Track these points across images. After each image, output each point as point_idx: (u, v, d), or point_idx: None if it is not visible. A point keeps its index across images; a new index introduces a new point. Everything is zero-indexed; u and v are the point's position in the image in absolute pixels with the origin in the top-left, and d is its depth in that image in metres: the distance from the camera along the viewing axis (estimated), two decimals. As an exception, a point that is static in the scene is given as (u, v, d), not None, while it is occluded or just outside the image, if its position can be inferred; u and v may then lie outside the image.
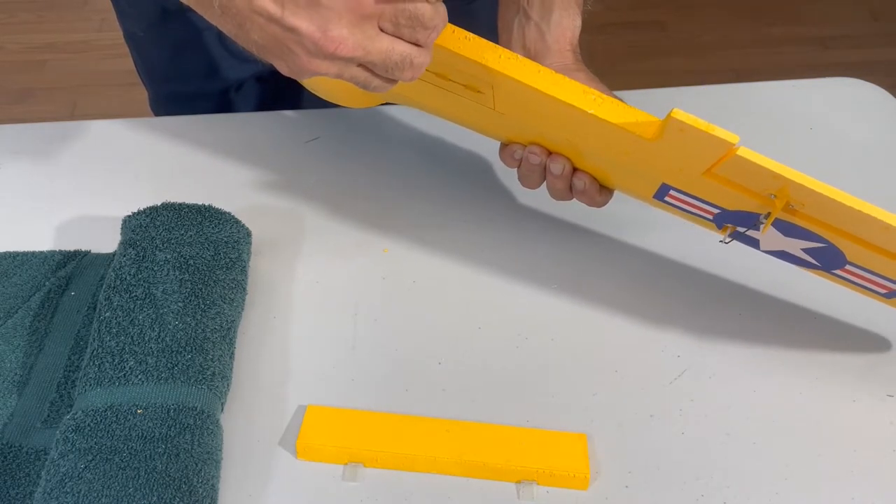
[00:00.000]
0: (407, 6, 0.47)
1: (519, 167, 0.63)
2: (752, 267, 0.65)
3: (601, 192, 0.62)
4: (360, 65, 0.49)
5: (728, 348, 0.60)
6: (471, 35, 0.54)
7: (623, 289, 0.64)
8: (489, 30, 0.90)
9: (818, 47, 2.10)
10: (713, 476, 0.53)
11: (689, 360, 0.59)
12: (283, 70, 0.50)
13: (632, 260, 0.67)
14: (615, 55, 2.09)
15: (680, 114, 0.49)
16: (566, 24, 0.62)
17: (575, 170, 0.61)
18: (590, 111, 0.52)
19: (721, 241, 0.59)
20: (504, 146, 0.63)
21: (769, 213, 0.53)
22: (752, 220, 0.55)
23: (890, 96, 0.81)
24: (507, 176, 0.72)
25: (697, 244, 0.66)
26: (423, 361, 0.60)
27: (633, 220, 0.69)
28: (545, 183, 0.63)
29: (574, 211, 0.69)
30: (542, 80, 0.53)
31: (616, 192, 0.64)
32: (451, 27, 0.54)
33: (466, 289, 0.65)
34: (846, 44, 2.11)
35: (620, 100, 0.55)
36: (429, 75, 0.58)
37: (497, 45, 0.54)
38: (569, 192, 0.62)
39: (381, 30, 0.48)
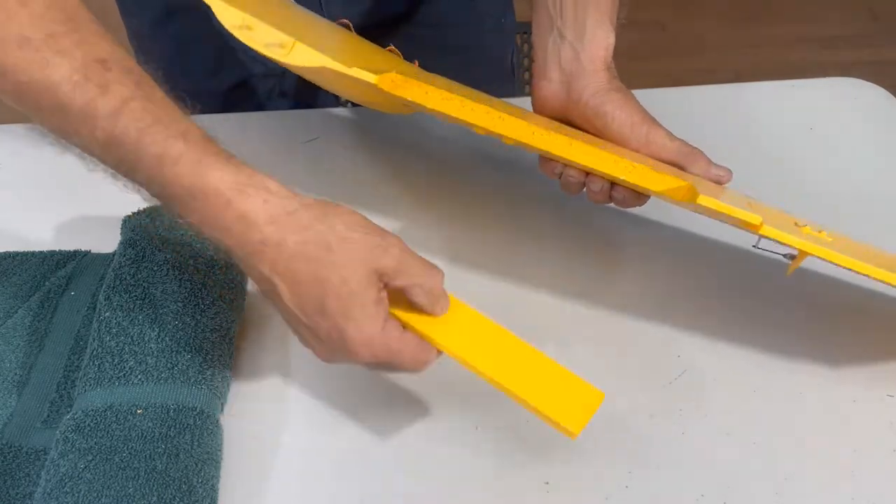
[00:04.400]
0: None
1: (559, 178, 0.63)
2: (754, 268, 0.65)
3: (639, 198, 0.62)
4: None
5: (728, 348, 0.60)
6: (504, 115, 0.58)
7: (623, 288, 0.64)
8: (490, 29, 0.91)
9: (818, 47, 2.10)
10: (713, 476, 0.53)
11: (689, 360, 0.59)
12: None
13: (632, 259, 0.67)
14: (615, 55, 2.08)
15: (705, 200, 0.52)
16: (599, 43, 0.62)
17: (613, 184, 0.61)
18: (621, 178, 0.56)
19: (754, 246, 0.60)
20: (544, 161, 0.63)
21: (795, 256, 0.55)
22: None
23: (890, 96, 0.81)
24: (508, 176, 0.73)
25: (699, 244, 0.66)
26: (423, 361, 0.60)
27: (634, 219, 0.69)
28: (585, 189, 0.63)
29: (575, 211, 0.69)
30: (574, 151, 0.57)
31: None
32: (485, 109, 0.58)
33: (466, 288, 0.64)
34: (846, 44, 2.11)
35: (665, 131, 0.59)
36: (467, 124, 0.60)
37: (530, 124, 0.58)
38: (608, 200, 0.62)
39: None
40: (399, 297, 0.52)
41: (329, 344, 0.50)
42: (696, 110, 0.78)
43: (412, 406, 0.57)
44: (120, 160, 0.49)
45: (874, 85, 0.82)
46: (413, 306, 0.52)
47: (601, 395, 0.51)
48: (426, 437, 0.55)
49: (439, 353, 0.52)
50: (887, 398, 0.57)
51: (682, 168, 0.60)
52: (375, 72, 0.59)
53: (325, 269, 0.48)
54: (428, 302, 0.52)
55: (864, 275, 0.52)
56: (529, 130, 0.58)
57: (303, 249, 0.48)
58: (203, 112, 0.81)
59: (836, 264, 0.52)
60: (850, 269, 0.52)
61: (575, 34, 0.62)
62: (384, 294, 0.50)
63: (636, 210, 0.66)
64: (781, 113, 0.79)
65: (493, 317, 0.63)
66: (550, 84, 0.62)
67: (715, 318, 0.62)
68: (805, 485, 0.52)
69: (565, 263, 0.66)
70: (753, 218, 0.51)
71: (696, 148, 0.60)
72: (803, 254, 0.53)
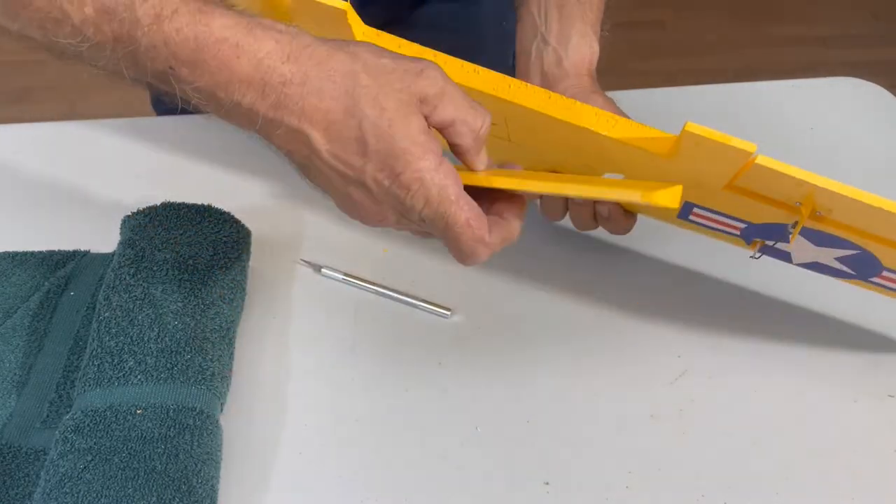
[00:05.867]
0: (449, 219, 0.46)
1: (541, 199, 0.63)
2: (752, 267, 0.65)
3: (626, 216, 0.61)
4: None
5: (728, 348, 0.60)
6: (479, 68, 0.54)
7: (623, 289, 0.64)
8: (491, 31, 0.91)
9: (818, 47, 2.10)
10: (713, 476, 0.53)
11: (689, 360, 0.59)
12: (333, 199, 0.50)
13: (632, 260, 0.67)
14: (615, 55, 2.08)
15: (694, 127, 0.48)
16: (584, 51, 0.61)
17: (596, 201, 0.61)
18: (603, 133, 0.52)
19: (752, 257, 0.58)
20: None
21: (796, 222, 0.52)
22: (780, 231, 0.54)
23: (890, 96, 0.81)
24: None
25: (698, 245, 0.66)
26: (423, 361, 0.60)
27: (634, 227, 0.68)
28: (569, 213, 0.63)
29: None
30: (554, 105, 0.53)
31: None
32: (459, 62, 0.53)
33: (466, 289, 0.64)
34: (846, 44, 2.11)
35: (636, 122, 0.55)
36: None
37: (506, 76, 0.54)
38: (593, 220, 0.62)
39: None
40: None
41: (379, 192, 0.45)
42: (696, 110, 0.78)
43: (412, 406, 0.57)
44: (115, 36, 0.45)
45: (874, 85, 0.82)
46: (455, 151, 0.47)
47: (679, 186, 0.49)
48: (426, 437, 0.55)
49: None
50: (888, 398, 0.57)
51: None
52: None
53: (358, 101, 0.44)
54: (474, 145, 0.47)
55: (874, 206, 0.48)
56: (506, 83, 0.54)
57: (329, 83, 0.44)
58: (200, 112, 0.81)
59: (841, 195, 0.48)
60: (852, 200, 0.48)
61: (559, 41, 0.62)
62: (431, 129, 0.45)
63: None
64: (781, 113, 0.79)
65: (492, 314, 0.63)
66: None
67: (715, 317, 0.62)
68: (805, 485, 0.52)
69: (565, 263, 0.66)
70: (748, 145, 0.47)
71: None
72: (806, 207, 0.50)
